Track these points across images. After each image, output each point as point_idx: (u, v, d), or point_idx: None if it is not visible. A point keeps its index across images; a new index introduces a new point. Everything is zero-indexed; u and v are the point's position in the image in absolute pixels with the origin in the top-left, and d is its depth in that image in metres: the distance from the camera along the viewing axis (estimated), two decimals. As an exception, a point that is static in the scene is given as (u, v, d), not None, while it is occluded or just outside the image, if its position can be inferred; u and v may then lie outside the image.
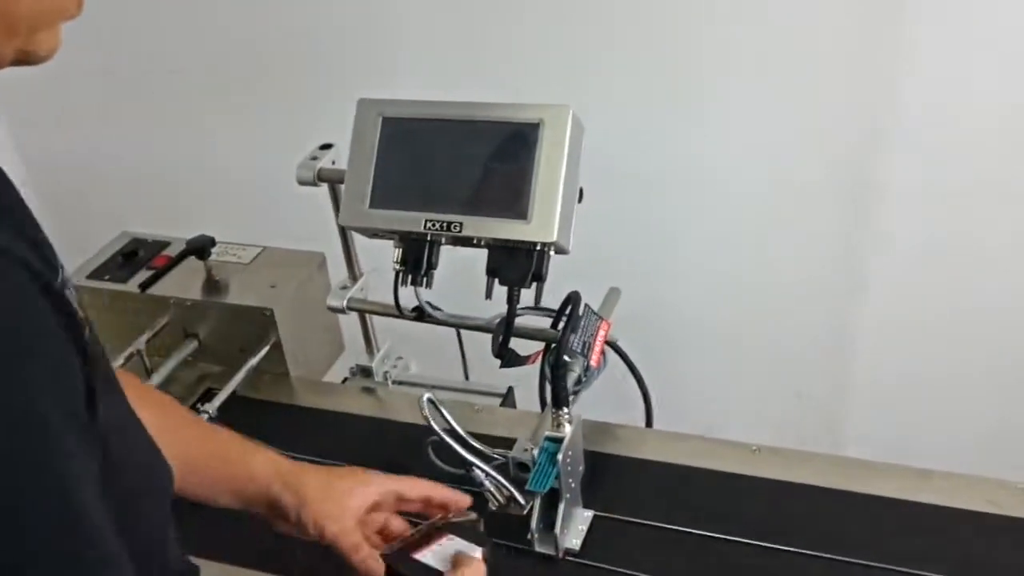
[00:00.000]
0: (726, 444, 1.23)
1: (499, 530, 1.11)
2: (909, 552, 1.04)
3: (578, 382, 1.21)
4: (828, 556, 1.05)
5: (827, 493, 1.14)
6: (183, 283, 1.43)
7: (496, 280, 1.04)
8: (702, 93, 1.52)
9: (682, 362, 1.76)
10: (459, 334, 1.39)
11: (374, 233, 1.09)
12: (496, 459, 1.10)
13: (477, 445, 1.10)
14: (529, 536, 1.08)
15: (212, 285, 1.43)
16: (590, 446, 1.25)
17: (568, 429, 1.06)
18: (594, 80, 1.56)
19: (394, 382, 1.40)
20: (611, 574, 1.06)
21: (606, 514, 1.14)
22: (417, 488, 0.96)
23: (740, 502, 1.15)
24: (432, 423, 1.03)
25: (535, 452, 1.04)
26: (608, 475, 1.21)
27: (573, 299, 1.07)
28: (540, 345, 1.17)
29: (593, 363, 1.06)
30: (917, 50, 1.39)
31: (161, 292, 1.41)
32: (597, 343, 1.06)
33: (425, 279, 1.08)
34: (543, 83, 1.55)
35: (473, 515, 0.98)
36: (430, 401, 1.05)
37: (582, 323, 1.05)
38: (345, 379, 1.43)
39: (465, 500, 0.98)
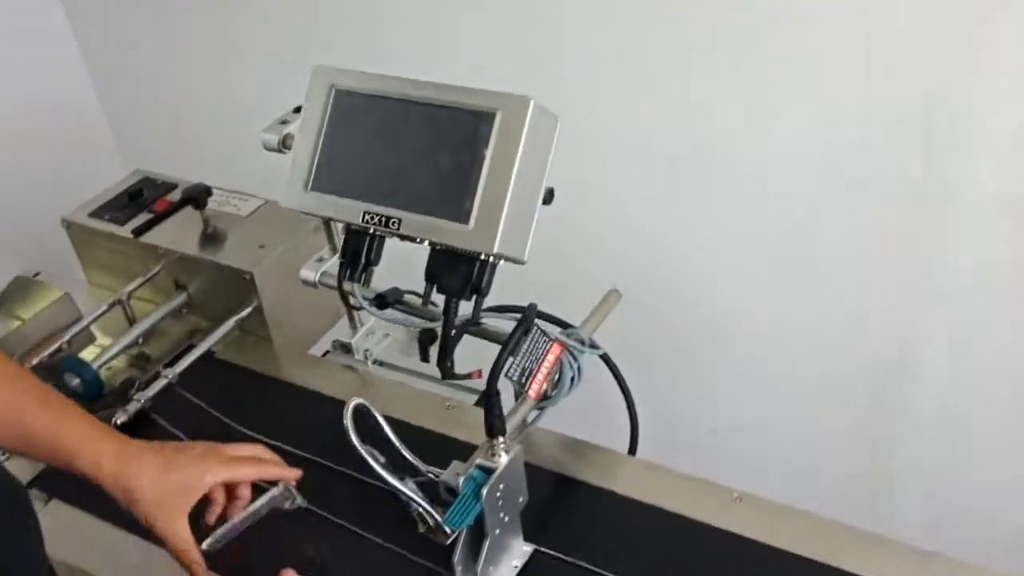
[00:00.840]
0: (707, 487, 1.09)
1: (426, 551, 1.02)
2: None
3: (545, 397, 1.09)
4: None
5: (806, 565, 0.99)
6: (178, 232, 1.38)
7: (435, 287, 0.92)
8: (751, 76, 1.32)
9: (709, 368, 1.60)
10: (445, 321, 1.29)
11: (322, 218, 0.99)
12: (427, 478, 1.00)
13: (411, 459, 1.00)
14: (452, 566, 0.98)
15: (206, 237, 1.37)
16: (555, 466, 1.14)
17: (503, 460, 0.95)
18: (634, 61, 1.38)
19: (374, 362, 1.31)
20: (533, 624, 0.96)
21: (548, 550, 1.03)
22: (249, 474, 0.98)
23: (703, 560, 1.01)
24: (352, 437, 0.93)
25: (460, 481, 0.94)
26: (564, 504, 1.09)
27: (526, 314, 0.95)
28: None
29: (531, 394, 0.93)
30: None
31: (153, 240, 1.36)
32: (542, 370, 0.93)
33: (364, 276, 0.97)
34: (584, 57, 1.39)
35: (294, 494, 1.02)
36: (358, 408, 0.96)
37: (526, 345, 0.93)
38: (326, 353, 1.35)
39: (291, 474, 1.01)
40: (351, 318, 1.32)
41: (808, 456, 1.60)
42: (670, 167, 1.43)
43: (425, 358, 1.34)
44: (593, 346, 1.12)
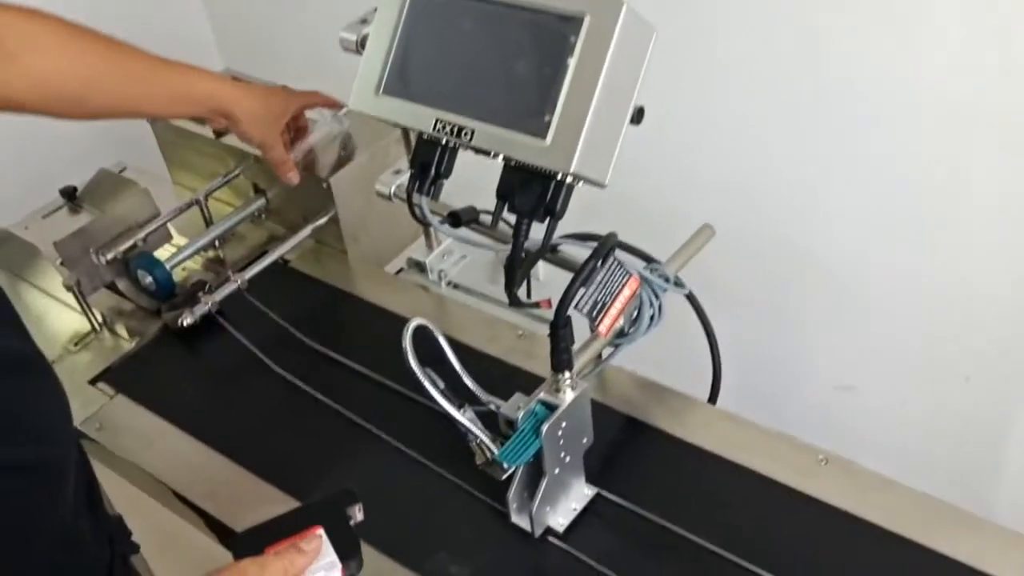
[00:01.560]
0: (790, 445, 1.00)
1: (483, 482, 0.97)
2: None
3: (621, 334, 1.02)
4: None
5: (893, 540, 0.90)
6: (260, 135, 1.34)
7: (506, 206, 0.85)
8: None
9: (803, 317, 1.48)
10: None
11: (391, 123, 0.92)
12: (487, 408, 0.94)
13: (473, 387, 0.95)
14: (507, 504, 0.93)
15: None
16: (627, 408, 1.07)
17: (568, 396, 0.88)
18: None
19: (448, 283, 1.26)
20: (582, 568, 0.90)
21: (612, 496, 0.96)
22: (317, 100, 1.23)
23: (775, 523, 0.93)
24: (410, 358, 0.88)
25: (519, 415, 0.88)
26: (633, 449, 1.02)
27: (603, 244, 0.87)
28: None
29: (602, 331, 0.86)
30: None
31: (234, 141, 1.32)
32: (616, 305, 0.86)
33: (433, 189, 0.90)
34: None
35: (341, 120, 1.30)
36: (421, 330, 0.90)
37: (600, 276, 0.85)
38: (400, 270, 1.30)
39: (337, 101, 1.24)
40: (427, 236, 1.26)
41: (907, 424, 1.48)
42: (778, 92, 1.30)
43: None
44: (678, 284, 1.04)
